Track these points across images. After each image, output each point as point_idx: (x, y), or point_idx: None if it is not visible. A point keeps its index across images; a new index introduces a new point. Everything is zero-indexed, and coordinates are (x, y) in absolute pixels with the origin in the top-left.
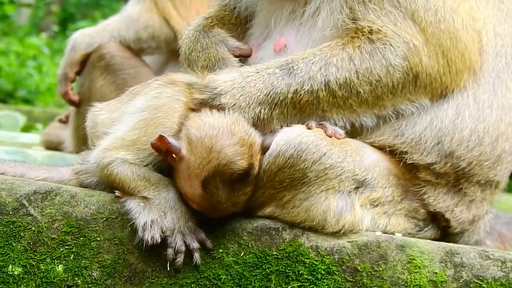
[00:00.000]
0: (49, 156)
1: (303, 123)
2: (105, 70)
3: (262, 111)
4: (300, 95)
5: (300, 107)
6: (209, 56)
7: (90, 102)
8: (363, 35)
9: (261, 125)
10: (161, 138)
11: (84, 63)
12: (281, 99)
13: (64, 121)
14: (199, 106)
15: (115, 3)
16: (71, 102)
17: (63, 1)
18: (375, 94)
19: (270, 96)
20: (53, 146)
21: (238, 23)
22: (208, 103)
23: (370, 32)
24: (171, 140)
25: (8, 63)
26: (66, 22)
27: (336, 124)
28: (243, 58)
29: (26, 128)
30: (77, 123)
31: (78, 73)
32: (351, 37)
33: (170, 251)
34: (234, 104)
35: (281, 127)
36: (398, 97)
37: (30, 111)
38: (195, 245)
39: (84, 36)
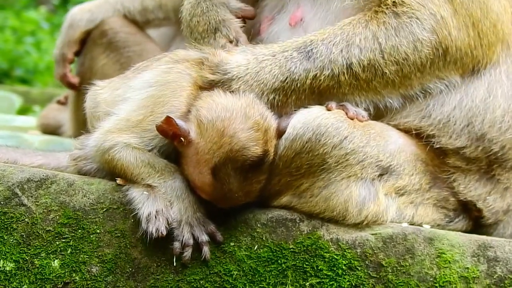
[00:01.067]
0: (47, 141)
1: (322, 105)
2: (108, 47)
3: (277, 97)
4: (320, 80)
5: (319, 92)
6: (209, 19)
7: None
8: (387, 8)
9: (275, 109)
10: (168, 119)
11: (84, 42)
12: (298, 85)
13: (63, 103)
14: (208, 86)
15: None
16: (70, 86)
17: None
18: (402, 73)
19: (287, 83)
20: (51, 130)
21: None
22: (218, 85)
23: (394, 4)
24: (179, 122)
25: (4, 39)
26: None
27: (358, 107)
28: (247, 19)
29: (23, 111)
30: (77, 105)
31: (77, 53)
32: (375, 11)
33: (176, 245)
34: (246, 91)
35: (297, 109)
36: (426, 75)
37: (27, 92)
38: (204, 238)
39: (84, 12)
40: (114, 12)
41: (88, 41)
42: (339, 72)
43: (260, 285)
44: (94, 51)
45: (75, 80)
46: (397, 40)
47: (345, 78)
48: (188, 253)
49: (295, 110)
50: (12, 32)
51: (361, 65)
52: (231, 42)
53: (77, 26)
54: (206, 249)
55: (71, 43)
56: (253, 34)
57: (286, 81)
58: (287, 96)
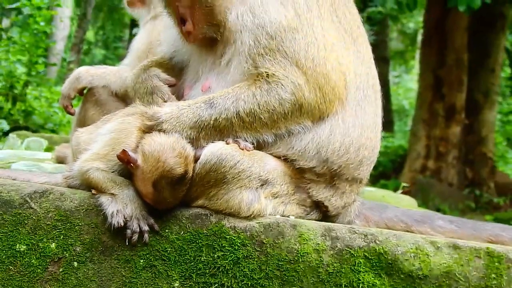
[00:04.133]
0: (56, 167)
1: (223, 140)
2: (96, 103)
3: (192, 133)
4: (219, 121)
5: (219, 130)
6: (147, 85)
7: (85, 126)
8: (262, 78)
9: (192, 142)
10: (123, 151)
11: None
12: (205, 124)
13: None
14: (148, 130)
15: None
16: (70, 113)
17: (80, 61)
18: (272, 119)
19: (197, 123)
20: (61, 159)
21: (173, 69)
22: (154, 128)
23: (267, 76)
24: (131, 153)
25: (40, 105)
26: None
27: (246, 141)
28: (172, 86)
29: (48, 149)
30: None
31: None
32: (254, 80)
33: (128, 232)
34: (172, 129)
35: (207, 143)
36: (289, 121)
37: (50, 137)
38: (145, 228)
39: (88, 75)
40: (105, 86)
41: (84, 97)
42: (231, 116)
43: (185, 257)
44: (87, 104)
45: (72, 111)
46: (268, 97)
47: (235, 120)
48: (135, 237)
49: (206, 143)
50: (45, 100)
51: (245, 112)
52: (165, 101)
53: (81, 81)
54: (146, 236)
55: (74, 89)
56: (179, 97)
57: (197, 121)
58: (199, 132)
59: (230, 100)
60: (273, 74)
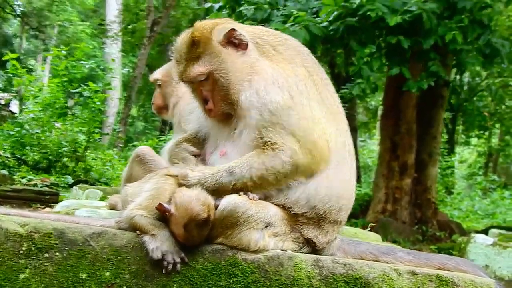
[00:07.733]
0: (110, 213)
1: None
2: (140, 162)
3: (214, 194)
4: (236, 185)
5: (236, 190)
6: (178, 156)
7: (131, 182)
8: (268, 147)
9: (214, 197)
10: (160, 204)
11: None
12: (225, 188)
13: None
14: (180, 186)
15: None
16: None
17: (126, 131)
18: (277, 179)
19: (219, 188)
20: (113, 206)
21: (199, 142)
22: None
23: (271, 144)
24: (165, 205)
25: (96, 164)
26: (127, 142)
27: (254, 194)
28: (197, 156)
29: (102, 198)
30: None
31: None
32: (262, 148)
33: (165, 263)
34: None
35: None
36: (288, 178)
37: (104, 189)
38: (178, 260)
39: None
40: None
41: (131, 158)
42: (246, 180)
43: (208, 282)
44: (133, 164)
45: None
46: (273, 162)
47: (250, 184)
48: (170, 267)
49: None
50: (100, 160)
51: (257, 177)
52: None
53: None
54: (178, 266)
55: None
56: (202, 160)
57: (219, 187)
58: (219, 193)
59: (245, 168)
60: (275, 142)
